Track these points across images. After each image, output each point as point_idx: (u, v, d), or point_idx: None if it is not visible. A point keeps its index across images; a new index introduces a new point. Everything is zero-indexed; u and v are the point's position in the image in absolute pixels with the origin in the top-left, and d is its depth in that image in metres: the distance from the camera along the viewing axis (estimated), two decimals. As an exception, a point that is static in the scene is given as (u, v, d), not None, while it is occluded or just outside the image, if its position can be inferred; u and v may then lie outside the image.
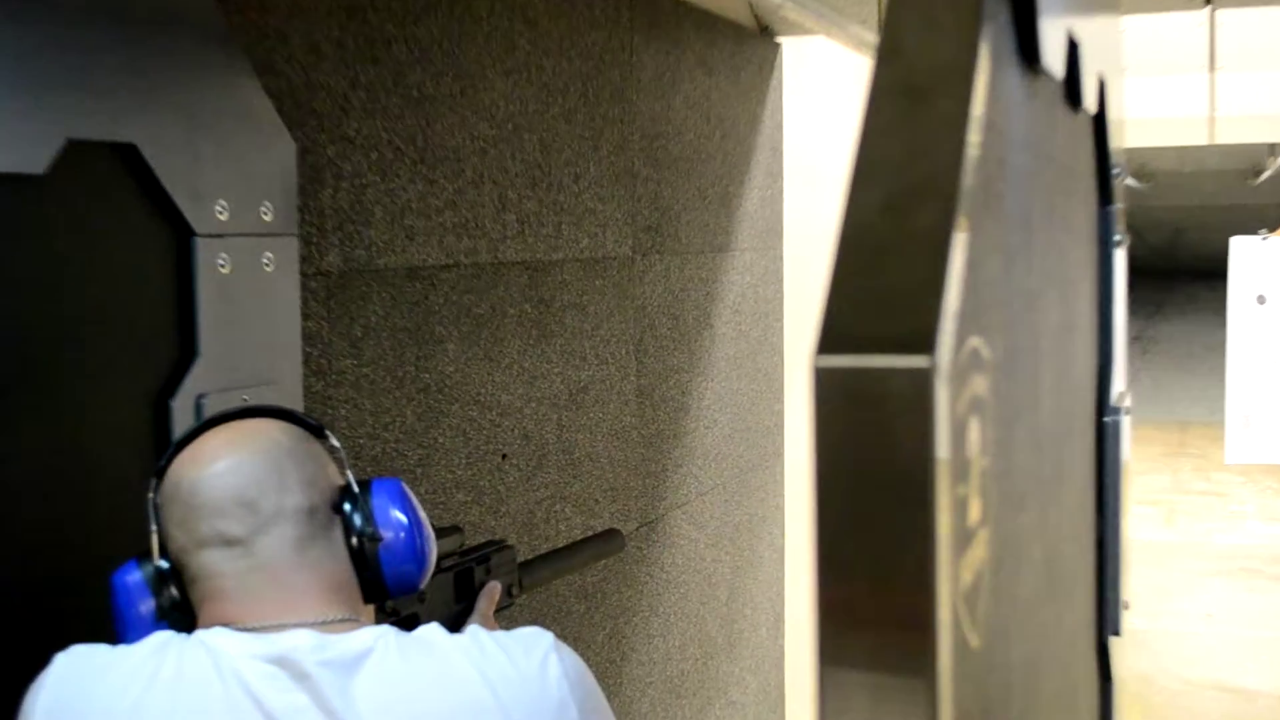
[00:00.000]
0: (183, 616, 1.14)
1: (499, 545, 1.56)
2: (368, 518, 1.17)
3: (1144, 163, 9.00)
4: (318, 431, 1.21)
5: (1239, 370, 4.46)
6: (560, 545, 2.12)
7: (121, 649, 1.10)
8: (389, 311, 1.95)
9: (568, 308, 2.46)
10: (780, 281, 3.67)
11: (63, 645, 1.11)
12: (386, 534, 1.17)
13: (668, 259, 2.90)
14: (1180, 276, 15.34)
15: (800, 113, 3.67)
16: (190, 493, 1.13)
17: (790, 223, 3.66)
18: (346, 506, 1.17)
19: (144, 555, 1.16)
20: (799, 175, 3.68)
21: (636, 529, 2.79)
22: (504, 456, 2.27)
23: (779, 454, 3.70)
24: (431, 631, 1.12)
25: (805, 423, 3.96)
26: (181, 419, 1.47)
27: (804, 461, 3.94)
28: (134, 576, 1.16)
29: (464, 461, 2.14)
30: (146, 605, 1.15)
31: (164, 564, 1.14)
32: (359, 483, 1.19)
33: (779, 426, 3.69)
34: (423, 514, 1.24)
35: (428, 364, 2.05)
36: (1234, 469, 8.21)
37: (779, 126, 3.54)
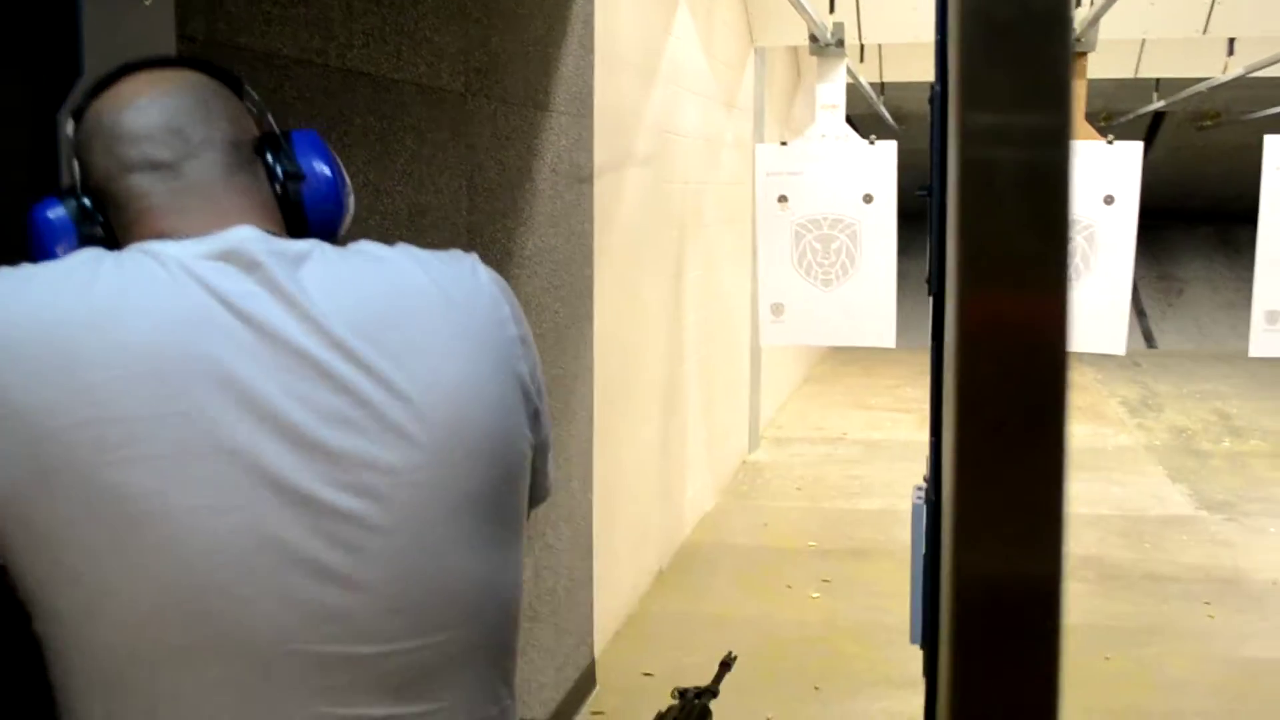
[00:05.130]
0: (110, 248, 1.28)
1: None
2: (291, 160, 1.37)
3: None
4: (235, 84, 1.39)
5: None
6: None
7: (40, 265, 1.24)
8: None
9: (408, 130, 3.06)
10: (590, 150, 4.46)
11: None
12: (309, 176, 1.37)
13: (495, 104, 3.59)
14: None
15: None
16: (114, 125, 1.31)
17: (598, 95, 4.46)
18: (268, 153, 1.36)
19: (64, 191, 1.33)
20: (604, 52, 4.52)
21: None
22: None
23: (589, 317, 4.45)
24: (361, 243, 1.34)
25: (614, 290, 4.82)
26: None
27: (612, 329, 4.80)
28: (55, 211, 1.31)
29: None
30: (69, 242, 1.31)
31: (86, 200, 1.31)
32: (279, 133, 1.40)
33: (589, 291, 4.44)
34: (342, 166, 1.45)
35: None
36: None
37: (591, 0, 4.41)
